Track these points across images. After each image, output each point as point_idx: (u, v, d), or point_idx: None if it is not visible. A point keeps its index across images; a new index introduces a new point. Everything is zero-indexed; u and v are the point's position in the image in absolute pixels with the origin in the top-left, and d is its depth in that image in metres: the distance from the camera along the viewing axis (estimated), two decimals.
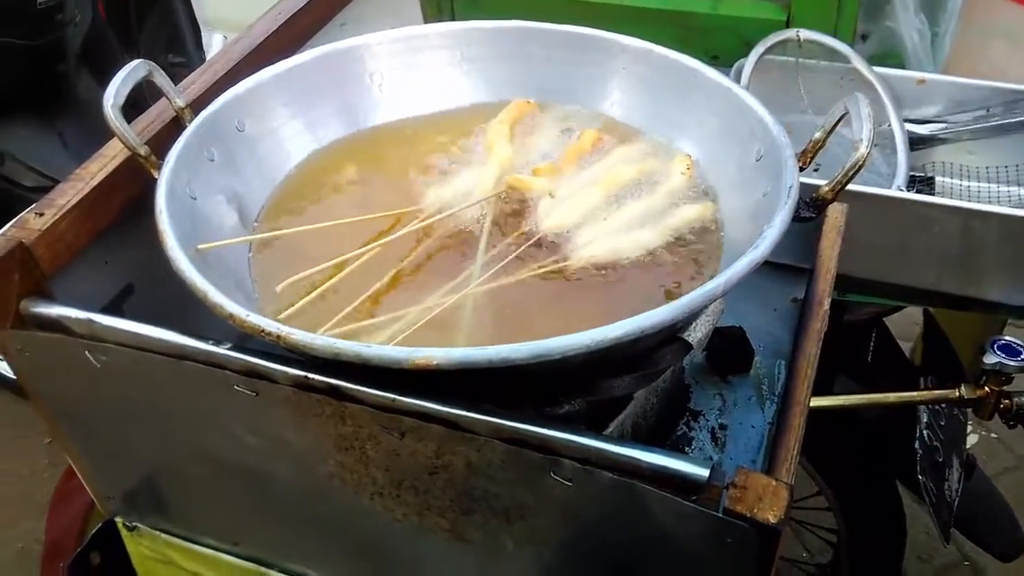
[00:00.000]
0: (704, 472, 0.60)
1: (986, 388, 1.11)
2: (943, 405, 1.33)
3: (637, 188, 0.89)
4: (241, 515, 0.85)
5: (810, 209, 0.78)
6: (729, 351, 0.97)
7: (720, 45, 1.19)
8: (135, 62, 0.82)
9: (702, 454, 0.89)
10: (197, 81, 0.94)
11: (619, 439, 0.64)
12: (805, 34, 1.14)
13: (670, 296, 0.79)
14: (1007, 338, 1.09)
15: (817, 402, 1.11)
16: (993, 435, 2.21)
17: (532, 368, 0.62)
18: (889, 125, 1.15)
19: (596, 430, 0.74)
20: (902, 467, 1.37)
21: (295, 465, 0.75)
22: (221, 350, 0.69)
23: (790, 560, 1.88)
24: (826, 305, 0.87)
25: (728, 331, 0.97)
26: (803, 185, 0.76)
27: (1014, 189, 1.15)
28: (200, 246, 0.74)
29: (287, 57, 0.95)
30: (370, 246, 0.82)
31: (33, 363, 0.78)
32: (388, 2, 1.28)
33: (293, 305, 0.76)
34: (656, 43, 0.94)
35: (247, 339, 0.69)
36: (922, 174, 1.19)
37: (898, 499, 1.51)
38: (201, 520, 0.89)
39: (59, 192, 0.80)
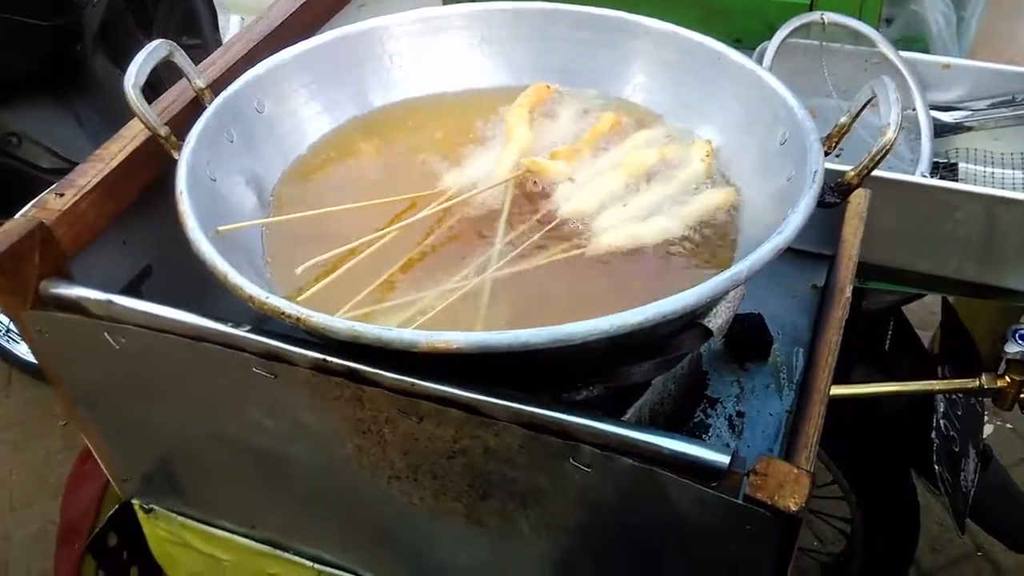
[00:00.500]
0: (725, 459, 0.59)
1: (1007, 378, 1.10)
2: (960, 395, 1.32)
3: (657, 173, 0.88)
4: (257, 498, 0.85)
5: (835, 194, 0.77)
6: (747, 338, 0.97)
7: (743, 28, 1.18)
8: (156, 42, 0.82)
9: (719, 441, 0.89)
10: (217, 62, 0.94)
11: (638, 425, 0.63)
12: (830, 17, 1.13)
13: (690, 282, 0.78)
14: None
15: (835, 390, 1.10)
16: (1008, 425, 2.19)
17: (551, 353, 0.62)
18: (914, 110, 1.13)
19: (614, 416, 0.73)
20: (918, 457, 1.36)
21: (312, 448, 0.75)
22: (240, 332, 0.69)
23: (803, 549, 1.88)
24: (848, 292, 0.86)
25: (746, 318, 0.96)
26: (829, 171, 0.75)
27: None
28: (220, 228, 0.74)
29: (306, 38, 0.94)
30: (388, 229, 0.81)
31: (53, 344, 0.78)
32: None
33: (310, 287, 0.75)
34: (679, 26, 0.93)
35: (264, 321, 0.69)
36: (945, 160, 1.18)
37: (913, 489, 1.50)
38: (217, 503, 0.89)
39: (79, 172, 0.80)
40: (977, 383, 1.11)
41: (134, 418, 0.83)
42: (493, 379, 0.67)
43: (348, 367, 0.66)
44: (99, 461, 0.90)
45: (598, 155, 0.91)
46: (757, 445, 0.89)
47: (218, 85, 0.88)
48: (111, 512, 0.93)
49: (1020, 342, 1.06)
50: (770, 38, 1.13)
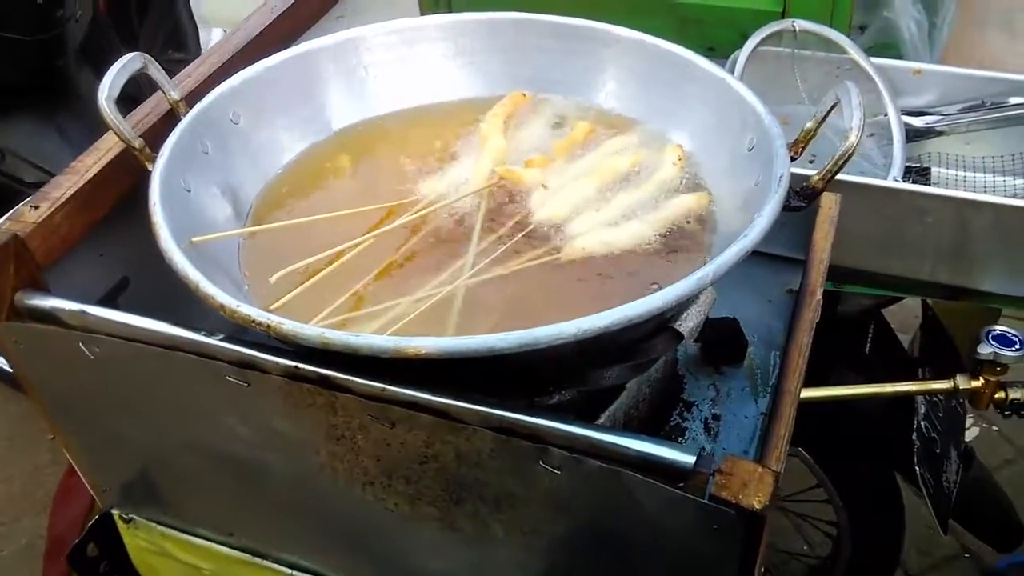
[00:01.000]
0: (690, 459, 0.60)
1: (981, 379, 1.11)
2: (941, 397, 1.33)
3: (630, 179, 0.90)
4: (235, 506, 0.86)
5: (800, 199, 0.78)
6: (723, 342, 0.98)
7: (716, 36, 1.19)
8: (130, 55, 0.82)
9: (695, 444, 0.90)
10: (192, 74, 0.95)
11: (606, 427, 0.64)
12: (801, 24, 1.14)
13: (662, 286, 0.79)
14: (1002, 328, 1.09)
15: (812, 393, 1.11)
16: (994, 428, 2.21)
17: (520, 358, 0.63)
18: (886, 115, 1.15)
19: (588, 420, 0.74)
20: (901, 459, 1.37)
21: (287, 456, 0.76)
22: (212, 341, 0.70)
23: (790, 553, 1.88)
24: (819, 295, 0.87)
25: (722, 322, 0.97)
26: (796, 175, 0.77)
27: (1009, 179, 1.15)
28: (195, 239, 0.75)
29: (283, 50, 0.95)
30: (362, 238, 0.82)
31: (28, 355, 0.78)
32: None
33: (285, 296, 0.76)
34: (652, 34, 0.95)
35: (242, 332, 0.70)
36: (918, 164, 1.19)
37: (897, 491, 1.51)
38: (196, 512, 0.90)
39: (54, 185, 0.81)
40: (952, 384, 1.12)
41: (111, 428, 0.84)
42: (466, 385, 0.67)
43: (320, 374, 0.67)
44: (78, 471, 0.90)
45: (572, 162, 0.92)
46: (733, 447, 0.90)
47: (194, 97, 0.88)
48: (91, 523, 0.93)
49: (993, 343, 1.08)
50: (742, 46, 1.14)
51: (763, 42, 1.14)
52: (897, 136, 1.12)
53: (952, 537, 1.97)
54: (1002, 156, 1.17)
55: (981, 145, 1.18)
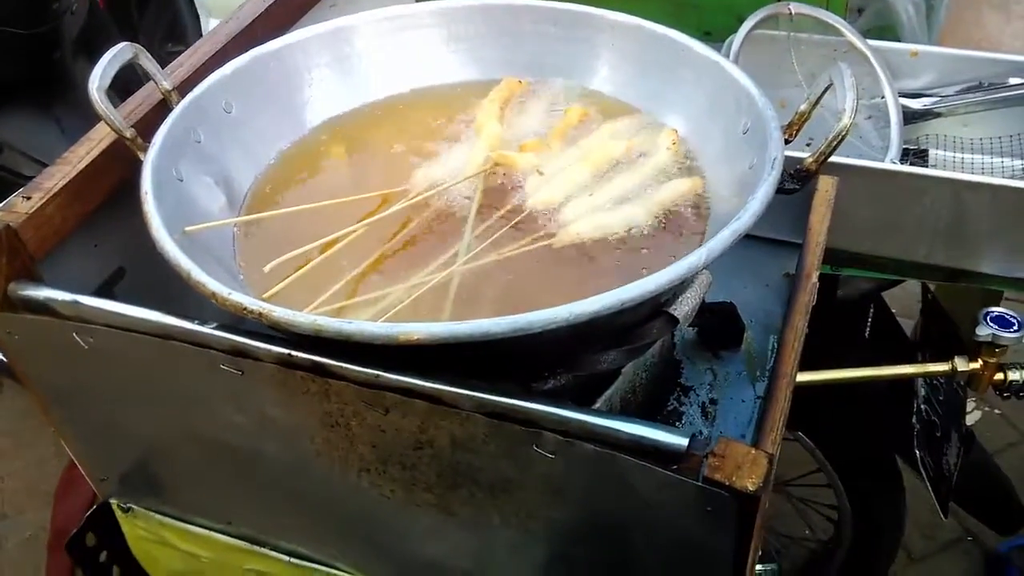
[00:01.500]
0: (683, 441, 0.60)
1: (980, 361, 1.11)
2: (941, 380, 1.33)
3: (624, 163, 0.89)
4: (232, 494, 0.86)
5: (794, 181, 0.78)
6: (720, 326, 0.97)
7: (713, 21, 1.19)
8: (120, 45, 0.82)
9: (692, 428, 0.90)
10: (184, 64, 0.94)
11: (600, 411, 0.64)
12: (796, 7, 1.13)
13: (656, 270, 0.79)
14: (1000, 309, 1.09)
15: (809, 376, 1.11)
16: (996, 411, 2.21)
17: (515, 343, 0.62)
18: (883, 98, 1.14)
19: (584, 406, 0.74)
20: (901, 442, 1.37)
21: (283, 443, 0.76)
22: (205, 329, 0.70)
23: (792, 537, 1.89)
24: (814, 278, 0.87)
25: (719, 307, 0.97)
26: (791, 158, 0.76)
27: (1007, 160, 1.14)
28: (188, 228, 0.75)
29: (273, 39, 0.95)
30: (357, 225, 0.82)
31: (23, 346, 0.78)
32: None
33: (278, 285, 0.76)
34: (649, 19, 0.94)
35: (237, 321, 0.70)
36: (916, 147, 1.19)
37: (898, 475, 1.51)
38: (193, 500, 0.90)
39: (46, 175, 0.81)
40: (950, 367, 1.11)
41: (107, 418, 0.84)
42: (461, 371, 0.67)
43: (313, 361, 0.67)
44: (76, 461, 0.90)
45: (567, 147, 0.92)
46: (730, 431, 0.90)
47: (186, 87, 0.88)
48: (89, 512, 0.93)
49: (991, 324, 1.07)
50: (739, 30, 1.14)
51: (759, 25, 1.13)
52: (894, 118, 1.11)
53: (954, 520, 1.98)
54: (1000, 137, 1.16)
55: (979, 126, 1.17)
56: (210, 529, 0.90)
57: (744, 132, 0.83)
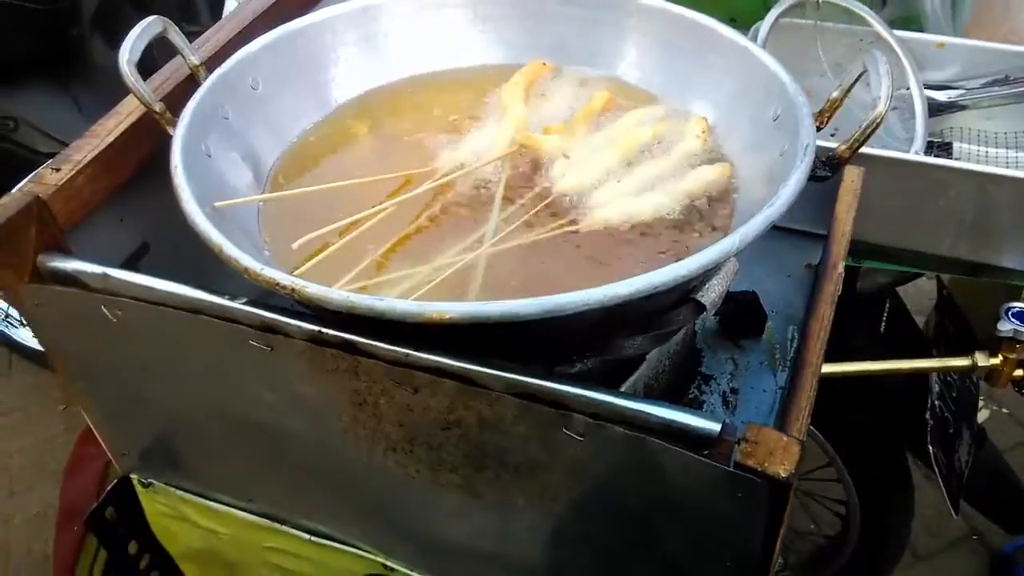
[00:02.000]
0: (716, 426, 0.60)
1: (1000, 356, 1.11)
2: (955, 376, 1.33)
3: (652, 150, 0.89)
4: (255, 471, 0.86)
5: (826, 168, 0.77)
6: (741, 316, 0.97)
7: (739, 7, 1.18)
8: (150, 18, 0.82)
9: (714, 417, 0.89)
10: (211, 39, 0.94)
11: (630, 395, 0.63)
12: None
13: (683, 256, 0.79)
14: (1021, 305, 1.09)
15: (830, 368, 1.10)
16: (1004, 410, 2.20)
17: (544, 325, 0.62)
18: (908, 89, 1.13)
19: None
20: (913, 438, 1.37)
21: (309, 421, 0.76)
22: (236, 304, 0.69)
23: (799, 532, 1.89)
24: (840, 268, 0.86)
25: (741, 296, 0.97)
26: (819, 148, 0.76)
27: None
28: (217, 203, 0.74)
29: (300, 16, 0.94)
30: (384, 204, 0.81)
31: (50, 318, 0.78)
32: None
33: (307, 263, 0.76)
34: (674, 3, 0.94)
35: (263, 296, 0.69)
36: (940, 139, 1.18)
37: (908, 471, 1.51)
38: (215, 476, 0.90)
39: (75, 148, 0.80)
40: (971, 362, 1.11)
41: (132, 392, 0.84)
42: (487, 352, 0.67)
43: (343, 338, 0.67)
44: (97, 436, 0.90)
45: (593, 132, 0.91)
46: (750, 420, 0.89)
47: (212, 63, 0.88)
48: (109, 487, 0.93)
49: (1013, 320, 1.07)
50: (764, 17, 1.13)
51: (786, 13, 1.13)
52: (920, 110, 1.11)
53: (960, 519, 1.97)
54: None
55: (1003, 120, 1.16)
56: (230, 506, 0.90)
57: (774, 119, 0.83)
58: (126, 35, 0.81)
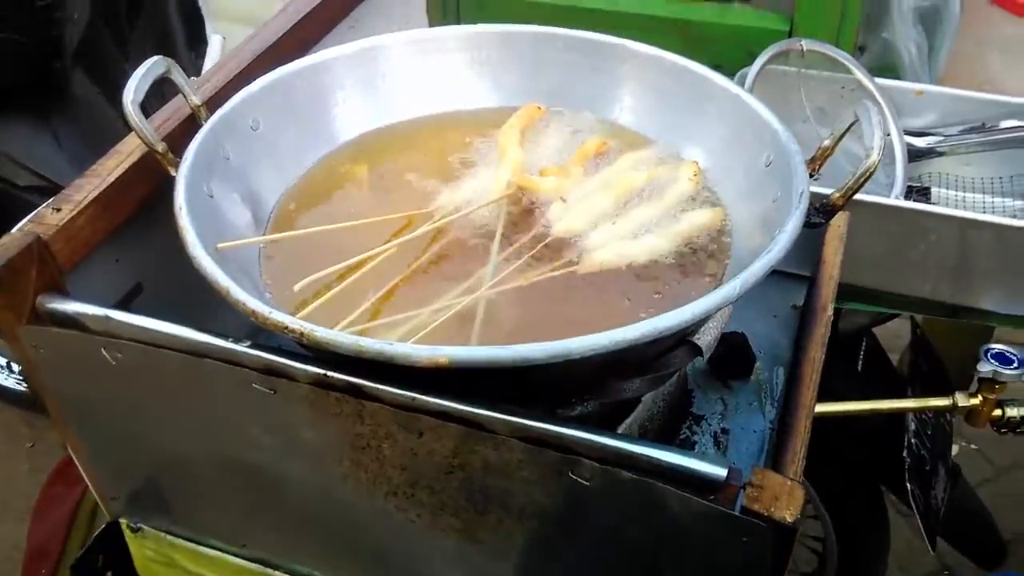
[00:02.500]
0: (722, 472, 0.61)
1: (980, 396, 1.13)
2: (930, 414, 1.35)
3: (645, 194, 0.90)
4: (250, 516, 0.85)
5: (820, 215, 0.79)
6: (731, 356, 0.99)
7: (723, 54, 1.21)
8: (154, 59, 0.82)
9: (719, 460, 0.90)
10: (211, 79, 0.94)
11: (637, 439, 0.64)
12: (809, 44, 1.16)
13: (680, 299, 0.80)
14: (1000, 346, 1.11)
15: (821, 408, 1.12)
16: (973, 446, 2.24)
17: (548, 369, 0.63)
18: (888, 135, 1.16)
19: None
20: (889, 475, 1.38)
21: (309, 465, 0.75)
22: (240, 347, 0.69)
23: None
24: (830, 311, 0.88)
25: (730, 337, 0.98)
26: (813, 194, 0.78)
27: (1009, 200, 1.17)
28: (219, 245, 0.74)
29: (297, 58, 0.95)
30: (386, 245, 0.82)
31: (48, 360, 0.77)
32: (396, 6, 1.29)
33: (308, 305, 0.76)
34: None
35: (261, 337, 0.70)
36: (919, 184, 1.21)
37: (884, 508, 1.53)
38: (208, 521, 0.89)
39: (75, 188, 0.80)
40: (951, 402, 1.13)
41: (127, 435, 0.83)
42: (487, 394, 0.68)
43: (349, 382, 0.67)
44: (87, 480, 0.89)
45: (588, 176, 0.93)
46: (742, 461, 0.91)
47: (213, 103, 0.88)
48: (97, 532, 0.92)
49: (992, 361, 1.10)
50: (749, 64, 1.16)
51: (770, 61, 1.15)
52: (899, 155, 1.14)
53: (933, 554, 2.00)
54: (1000, 177, 1.19)
55: (980, 166, 1.20)
56: (222, 551, 0.89)
57: (767, 165, 0.85)
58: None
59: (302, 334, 0.63)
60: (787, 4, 1.19)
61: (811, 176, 0.81)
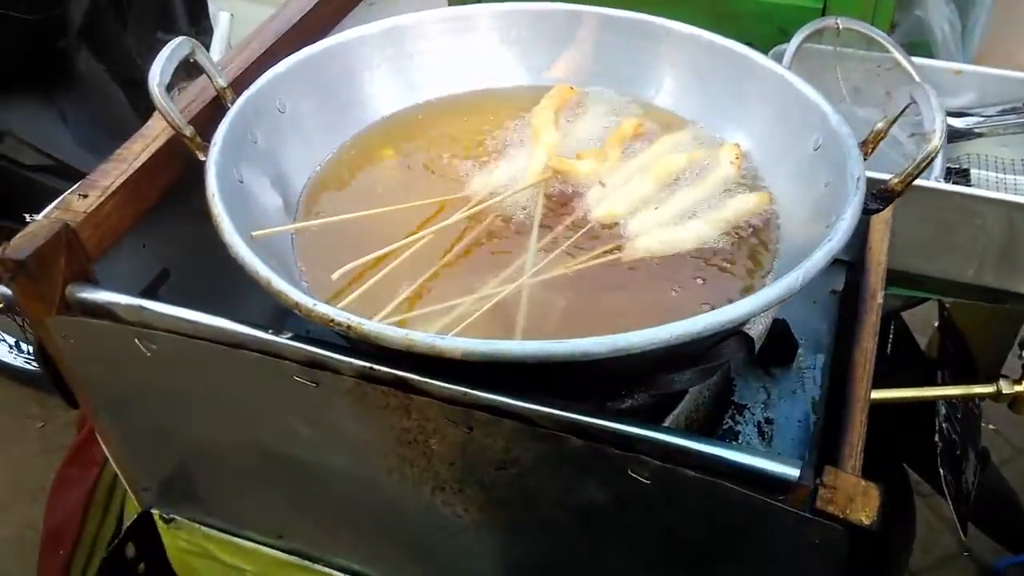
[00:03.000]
0: (794, 472, 0.58)
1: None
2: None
3: (686, 177, 0.88)
4: (288, 508, 0.83)
5: (877, 201, 0.76)
6: (772, 343, 0.96)
7: (754, 32, 1.17)
8: (178, 40, 0.79)
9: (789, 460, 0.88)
10: (235, 60, 0.91)
11: (702, 436, 0.62)
12: (844, 22, 1.12)
13: (731, 289, 0.77)
14: None
15: (876, 395, 1.10)
16: (991, 427, 2.22)
17: (603, 362, 0.60)
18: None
19: (652, 423, 0.72)
20: (919, 459, 1.37)
21: (352, 458, 0.73)
22: (282, 339, 0.66)
23: None
24: (879, 298, 0.86)
25: (772, 324, 0.96)
26: (870, 180, 0.75)
27: None
28: (254, 233, 0.71)
29: (320, 37, 0.92)
30: (423, 232, 0.79)
31: (78, 351, 0.74)
32: None
33: (345, 294, 0.73)
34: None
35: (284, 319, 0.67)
36: (957, 166, 1.18)
37: (910, 491, 1.51)
38: (244, 513, 0.87)
39: (101, 173, 0.77)
40: (995, 389, 1.11)
41: (161, 426, 0.80)
42: (535, 387, 0.65)
43: (396, 376, 0.64)
44: (117, 470, 0.86)
45: (625, 158, 0.90)
46: (787, 451, 0.88)
47: (237, 85, 0.85)
48: (130, 523, 0.90)
49: None
50: (780, 42, 1.13)
51: (805, 39, 1.12)
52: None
53: (951, 536, 1.99)
54: None
55: (1018, 147, 1.17)
56: (258, 543, 0.87)
57: (815, 149, 0.82)
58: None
59: (349, 327, 0.60)
60: None
61: (864, 159, 0.78)
